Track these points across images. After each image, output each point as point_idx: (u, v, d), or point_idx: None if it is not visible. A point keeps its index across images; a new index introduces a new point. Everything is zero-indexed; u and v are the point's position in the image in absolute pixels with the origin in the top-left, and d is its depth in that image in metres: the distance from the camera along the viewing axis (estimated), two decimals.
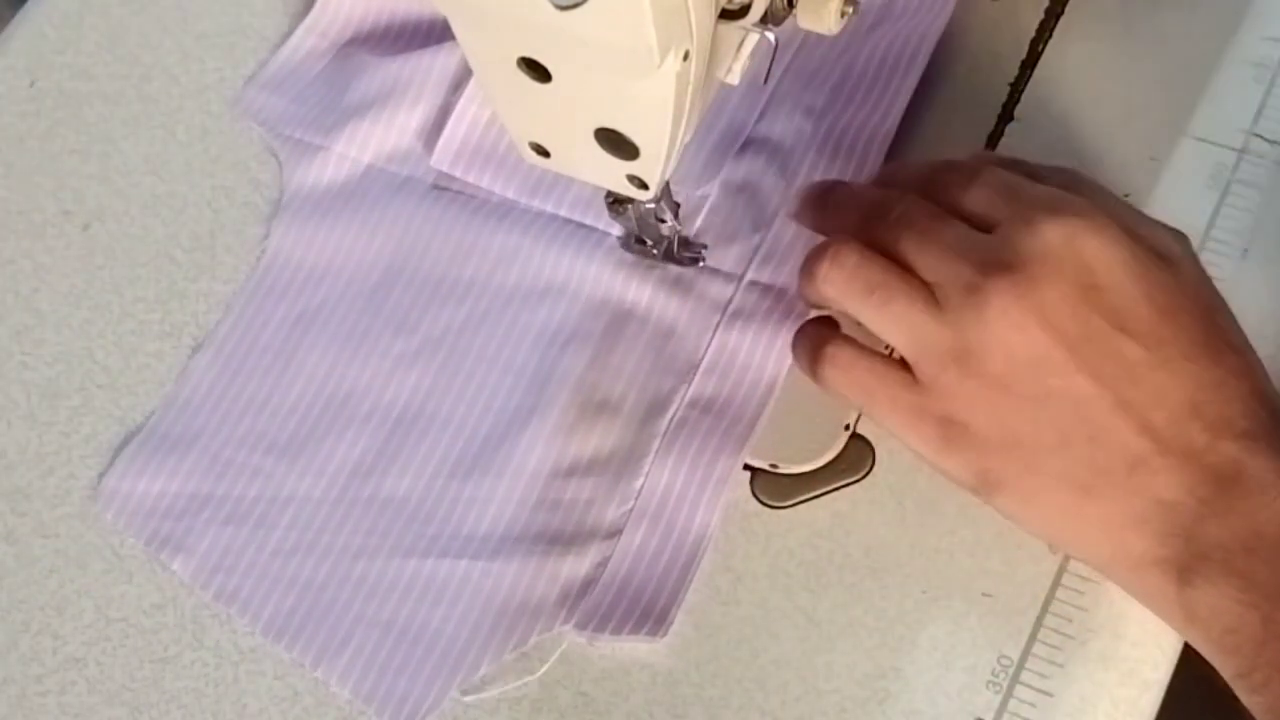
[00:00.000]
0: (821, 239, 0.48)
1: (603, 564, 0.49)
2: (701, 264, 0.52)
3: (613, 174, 0.44)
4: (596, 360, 0.51)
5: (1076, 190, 0.45)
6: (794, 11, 0.43)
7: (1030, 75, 0.55)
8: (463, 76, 0.55)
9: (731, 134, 0.54)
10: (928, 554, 0.48)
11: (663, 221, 0.49)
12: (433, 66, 0.56)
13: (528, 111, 0.43)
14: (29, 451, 0.53)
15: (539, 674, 0.47)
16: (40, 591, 0.50)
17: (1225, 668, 0.42)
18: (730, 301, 0.52)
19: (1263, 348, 0.44)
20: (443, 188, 0.55)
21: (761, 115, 0.55)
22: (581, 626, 0.47)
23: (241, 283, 0.54)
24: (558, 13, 0.34)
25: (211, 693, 0.48)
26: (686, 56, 0.38)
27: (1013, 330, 0.42)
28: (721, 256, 0.53)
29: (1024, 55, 0.55)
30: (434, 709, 0.47)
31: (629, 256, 0.53)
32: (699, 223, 0.53)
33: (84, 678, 0.49)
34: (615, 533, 0.49)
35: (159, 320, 0.54)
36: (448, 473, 0.50)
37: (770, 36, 0.42)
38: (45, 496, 0.52)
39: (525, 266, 0.53)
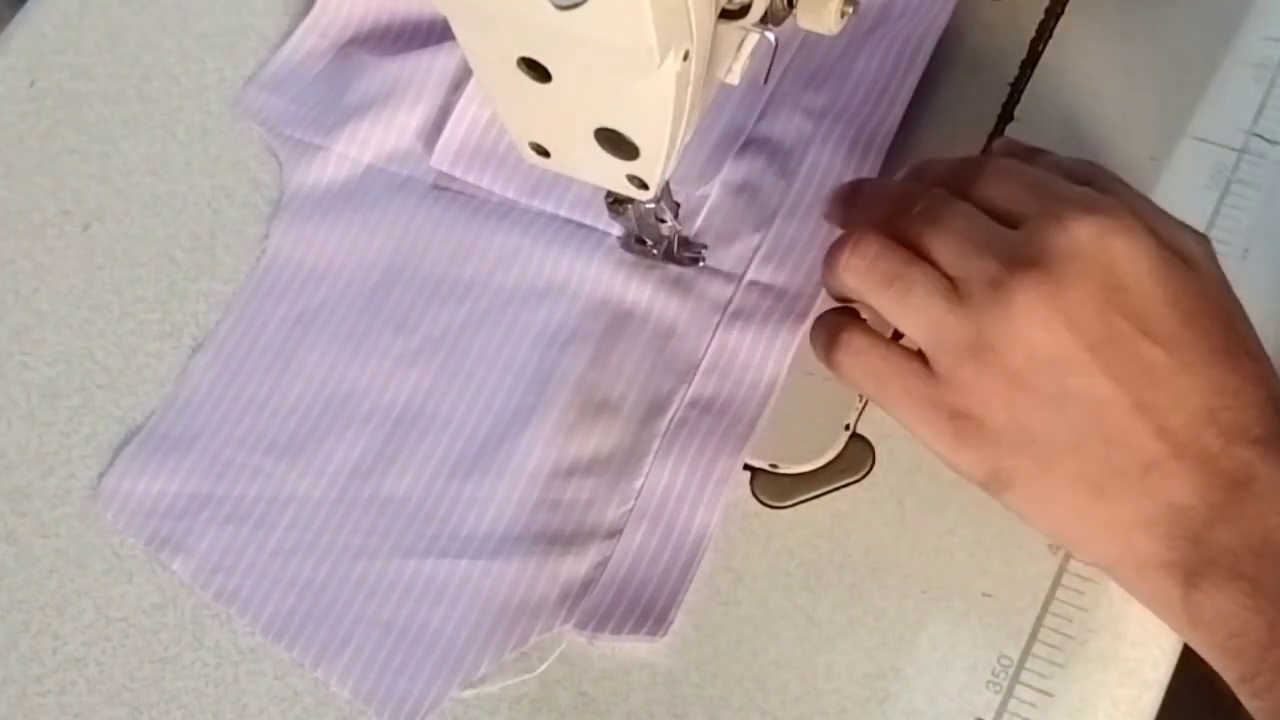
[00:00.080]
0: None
1: (603, 564, 0.49)
2: (701, 264, 0.52)
3: (613, 174, 0.44)
4: (596, 360, 0.51)
5: (1100, 183, 0.45)
6: (794, 11, 0.43)
7: (1030, 75, 0.55)
8: (463, 76, 0.55)
9: (731, 134, 0.54)
10: (928, 554, 0.48)
11: (663, 221, 0.49)
12: (433, 66, 0.56)
13: (528, 111, 0.43)
14: (29, 451, 0.53)
15: (538, 672, 0.47)
16: (40, 591, 0.50)
17: (1228, 672, 0.42)
18: (730, 301, 0.52)
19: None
20: (443, 188, 0.55)
21: (761, 115, 0.55)
22: (581, 626, 0.47)
23: (241, 283, 0.54)
24: (558, 13, 0.34)
25: (211, 693, 0.48)
26: (686, 56, 0.38)
27: (1036, 328, 0.42)
28: (721, 256, 0.53)
29: (1024, 55, 0.55)
30: (434, 708, 0.47)
31: (629, 256, 0.53)
32: (699, 223, 0.53)
33: (84, 678, 0.49)
34: (615, 533, 0.49)
35: (159, 320, 0.54)
36: (448, 473, 0.50)
37: (770, 36, 0.42)
38: (45, 496, 0.52)
39: (525, 266, 0.53)
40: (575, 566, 0.48)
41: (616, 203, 0.49)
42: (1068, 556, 0.47)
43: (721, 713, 0.47)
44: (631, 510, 0.49)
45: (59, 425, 0.53)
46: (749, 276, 0.52)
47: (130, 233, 0.56)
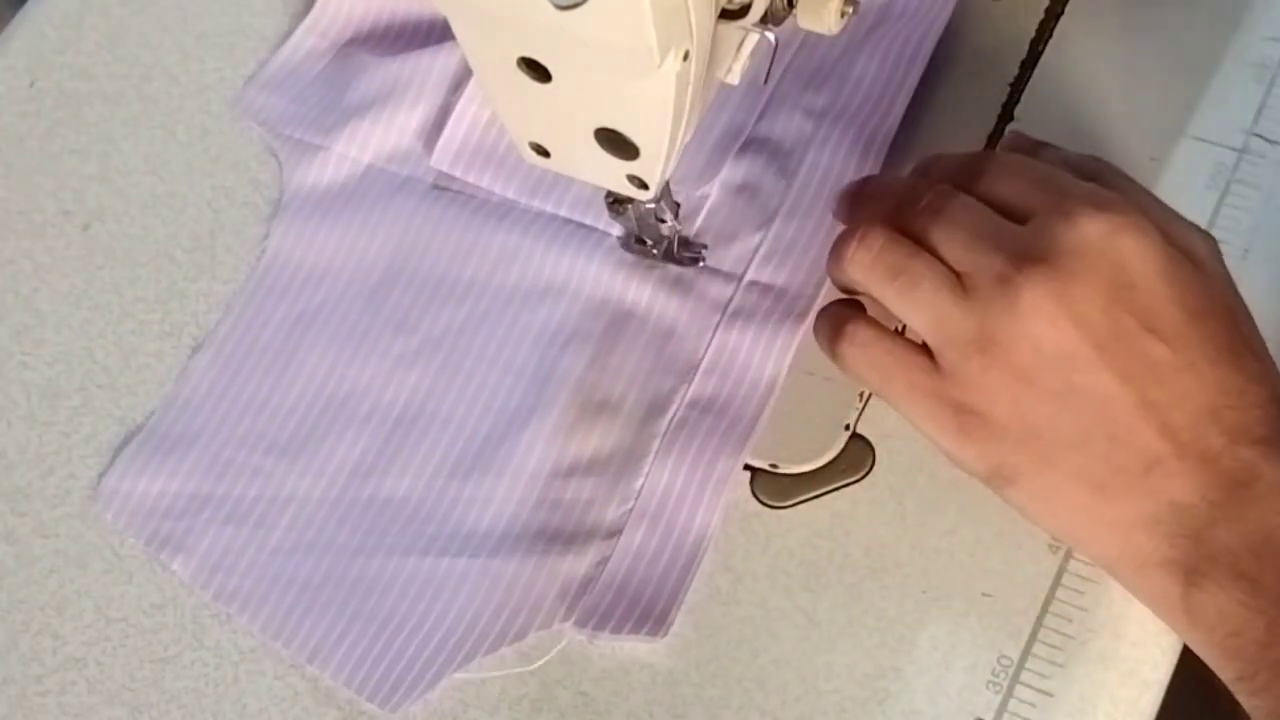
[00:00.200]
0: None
1: (602, 563, 0.49)
2: (701, 264, 0.52)
3: (613, 174, 0.44)
4: (596, 360, 0.51)
5: (1106, 180, 0.45)
6: (794, 11, 0.43)
7: (1030, 75, 0.55)
8: (463, 76, 0.55)
9: (731, 134, 0.54)
10: (928, 554, 0.48)
11: (663, 221, 0.49)
12: (433, 66, 0.56)
13: (528, 111, 0.43)
14: (29, 451, 0.53)
15: (537, 665, 0.47)
16: (40, 591, 0.50)
17: (1226, 671, 0.42)
18: (730, 301, 0.52)
19: None
20: (443, 188, 0.55)
21: (761, 115, 0.55)
22: (581, 625, 0.47)
23: (241, 283, 0.54)
24: (558, 13, 0.34)
25: (211, 693, 0.48)
26: (686, 56, 0.38)
27: (1043, 324, 0.42)
28: (721, 256, 0.53)
29: (1024, 55, 0.55)
30: (428, 689, 0.47)
31: (629, 256, 0.53)
32: (699, 223, 0.53)
33: (84, 678, 0.49)
34: (615, 532, 0.49)
35: (159, 320, 0.54)
36: (448, 472, 0.50)
37: (770, 36, 0.42)
38: (45, 496, 0.52)
39: (525, 266, 0.53)
40: (575, 566, 0.48)
41: (616, 203, 0.49)
42: (1068, 556, 0.47)
43: (721, 713, 0.47)
44: (631, 510, 0.49)
45: (59, 425, 0.53)
46: (749, 276, 0.52)
47: (130, 233, 0.56)
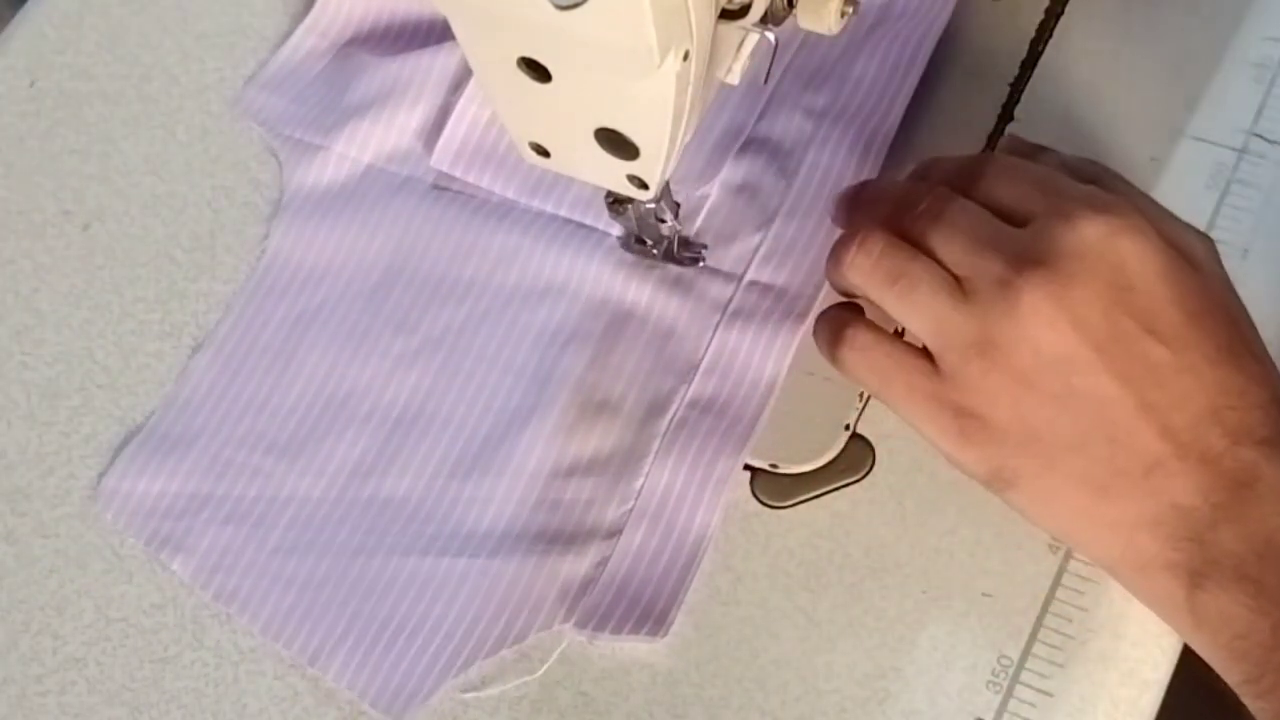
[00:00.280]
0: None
1: (602, 564, 0.49)
2: (701, 264, 0.52)
3: (613, 174, 0.44)
4: (596, 360, 0.51)
5: (1103, 182, 0.45)
6: (794, 11, 0.43)
7: (1030, 75, 0.55)
8: (463, 76, 0.55)
9: (731, 134, 0.54)
10: (928, 554, 0.48)
11: (663, 221, 0.49)
12: (433, 66, 0.56)
13: (528, 111, 0.43)
14: (29, 451, 0.53)
15: (539, 674, 0.47)
16: (40, 591, 0.50)
17: (1231, 673, 0.42)
18: (730, 301, 0.52)
19: None
20: (443, 188, 0.55)
21: (761, 115, 0.55)
22: (581, 625, 0.47)
23: (241, 283, 0.54)
24: (558, 13, 0.34)
25: (211, 693, 0.48)
26: (686, 56, 0.38)
27: (1043, 327, 0.42)
28: (721, 256, 0.53)
29: (1024, 55, 0.55)
30: (429, 696, 0.47)
31: (629, 256, 0.53)
32: (699, 223, 0.53)
33: (84, 678, 0.49)
34: (615, 533, 0.49)
35: (159, 320, 0.54)
36: (448, 472, 0.50)
37: (770, 36, 0.42)
38: (45, 496, 0.52)
39: (525, 266, 0.53)
40: (575, 566, 0.48)
41: (616, 203, 0.49)
42: (1068, 556, 0.47)
43: (721, 713, 0.47)
44: (631, 510, 0.49)
45: (59, 425, 0.53)
46: (749, 276, 0.52)
47: (130, 233, 0.56)
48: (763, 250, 0.52)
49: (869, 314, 0.48)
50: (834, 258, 0.47)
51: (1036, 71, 0.55)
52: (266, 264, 0.55)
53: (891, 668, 0.47)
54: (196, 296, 0.55)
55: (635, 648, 0.48)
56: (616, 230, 0.53)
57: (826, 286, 0.51)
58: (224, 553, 0.50)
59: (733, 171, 0.54)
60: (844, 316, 0.47)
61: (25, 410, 0.53)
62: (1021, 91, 0.55)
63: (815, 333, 0.49)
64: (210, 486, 0.51)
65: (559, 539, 0.49)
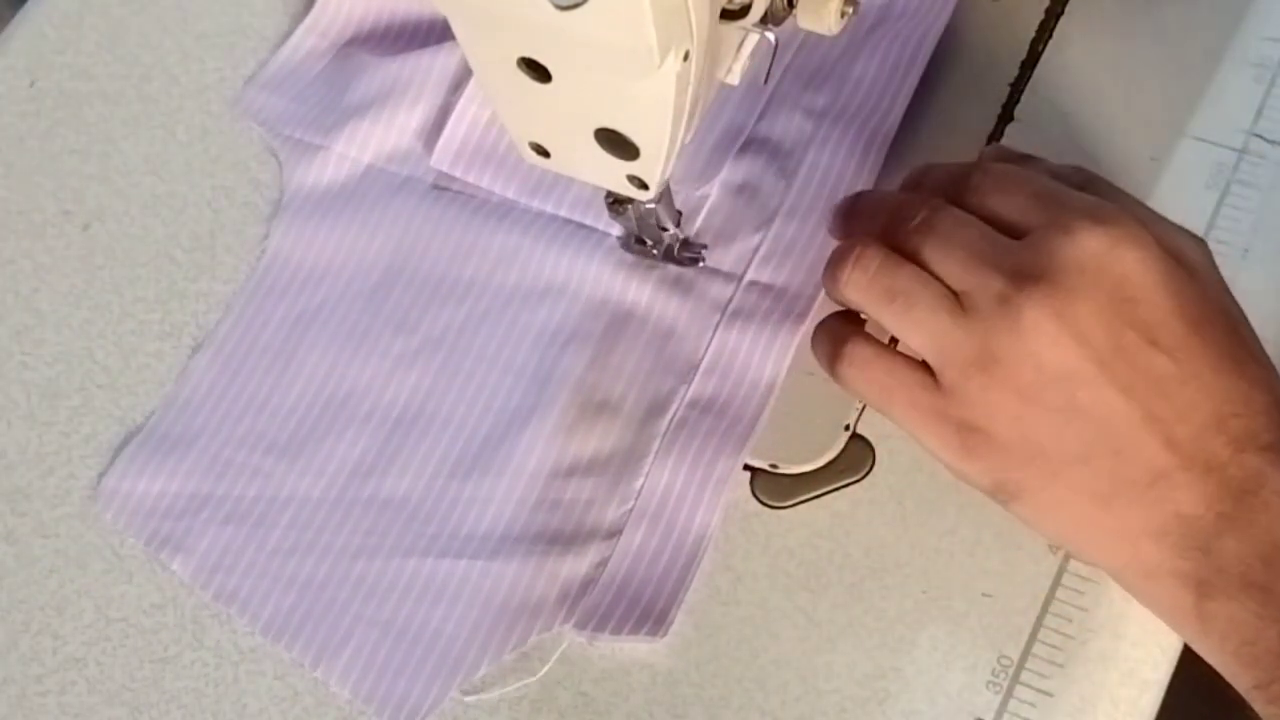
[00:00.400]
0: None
1: (602, 564, 0.49)
2: (701, 264, 0.52)
3: (613, 174, 0.44)
4: (596, 360, 0.51)
5: (1093, 189, 0.45)
6: (794, 11, 0.43)
7: (1030, 75, 0.55)
8: (463, 76, 0.55)
9: (731, 134, 0.54)
10: (928, 554, 0.48)
11: (664, 230, 0.49)
12: (433, 66, 0.56)
13: (528, 111, 0.43)
14: (29, 451, 0.53)
15: (540, 675, 0.47)
16: (40, 591, 0.50)
17: (1240, 680, 0.42)
18: (730, 301, 0.52)
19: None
20: (443, 188, 0.55)
21: (761, 115, 0.55)
22: (581, 626, 0.47)
23: (241, 283, 0.54)
24: (558, 13, 0.34)
25: (211, 693, 0.48)
26: (686, 56, 0.38)
27: (1046, 344, 0.42)
28: (721, 256, 0.53)
29: (1024, 55, 0.55)
30: (434, 708, 0.47)
31: (629, 257, 0.53)
32: (699, 223, 0.53)
33: (84, 678, 0.49)
34: (615, 533, 0.49)
35: (159, 320, 0.54)
36: (448, 473, 0.50)
37: (770, 36, 0.42)
38: (45, 496, 0.52)
39: (525, 266, 0.53)
40: (575, 566, 0.48)
41: (616, 203, 0.49)
42: (1068, 556, 0.48)
43: (721, 713, 0.47)
44: (631, 510, 0.49)
45: (59, 425, 0.53)
46: (749, 276, 0.52)
47: (130, 233, 0.56)
48: (763, 250, 0.52)
49: (869, 325, 0.47)
50: (830, 274, 0.47)
51: (1036, 71, 0.55)
52: (266, 264, 0.55)
53: (891, 668, 0.47)
54: (196, 296, 0.55)
55: (635, 648, 0.48)
56: (616, 230, 0.53)
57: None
58: (224, 553, 0.50)
59: (733, 172, 0.54)
60: (843, 331, 0.47)
61: (25, 410, 0.53)
62: (1021, 91, 0.55)
63: (814, 346, 0.48)
64: (210, 486, 0.51)
65: (559, 539, 0.49)
